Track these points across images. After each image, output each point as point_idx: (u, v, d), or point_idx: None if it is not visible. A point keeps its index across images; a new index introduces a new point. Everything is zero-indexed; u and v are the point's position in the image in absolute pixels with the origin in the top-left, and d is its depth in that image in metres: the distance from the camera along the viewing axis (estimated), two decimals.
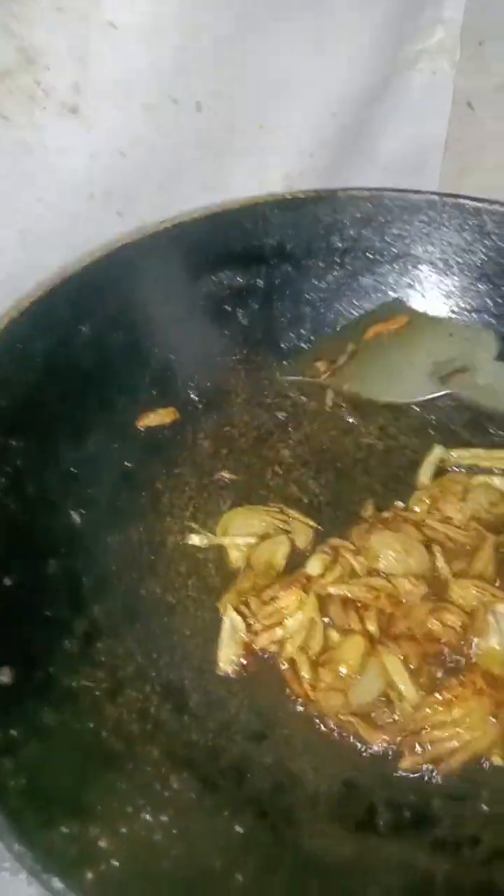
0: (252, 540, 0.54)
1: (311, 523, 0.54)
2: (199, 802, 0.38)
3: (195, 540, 0.54)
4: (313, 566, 0.50)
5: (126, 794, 0.35)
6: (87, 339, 0.53)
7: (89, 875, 0.30)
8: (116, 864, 0.30)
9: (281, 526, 0.54)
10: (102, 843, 0.31)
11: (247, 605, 0.50)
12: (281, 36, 0.65)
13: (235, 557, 0.53)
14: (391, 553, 0.49)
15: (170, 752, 0.40)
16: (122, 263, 0.54)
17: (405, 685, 0.43)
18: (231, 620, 0.48)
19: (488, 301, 0.58)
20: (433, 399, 0.60)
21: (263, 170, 0.73)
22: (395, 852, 0.38)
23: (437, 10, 0.66)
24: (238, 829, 0.36)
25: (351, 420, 0.60)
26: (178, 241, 0.57)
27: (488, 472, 0.55)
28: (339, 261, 0.61)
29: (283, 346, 0.62)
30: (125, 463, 0.55)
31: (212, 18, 0.61)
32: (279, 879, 0.35)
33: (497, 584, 0.48)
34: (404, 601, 0.47)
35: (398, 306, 0.57)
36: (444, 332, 0.53)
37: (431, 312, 0.60)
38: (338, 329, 0.57)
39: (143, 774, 0.37)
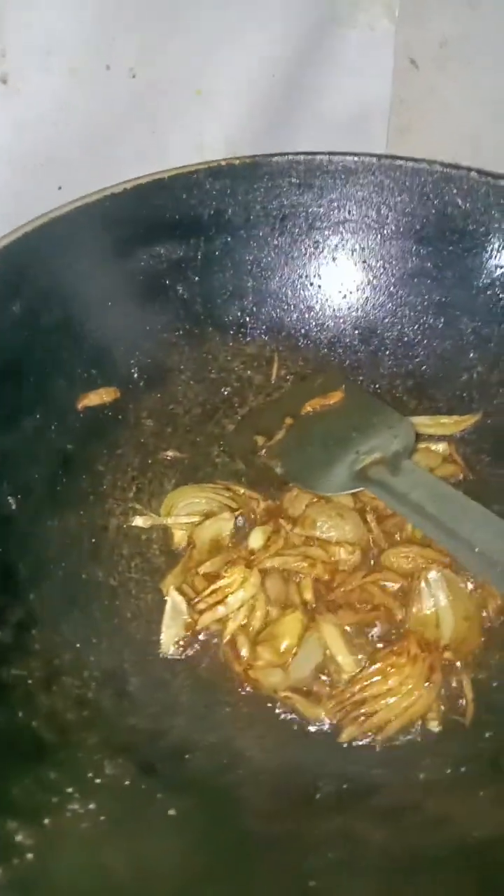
0: (196, 519, 0.53)
1: (257, 497, 0.54)
2: (133, 787, 0.37)
3: (139, 521, 0.53)
4: (256, 539, 0.50)
5: (53, 784, 0.34)
6: (18, 319, 0.51)
7: None
8: (31, 857, 0.30)
9: (226, 502, 0.54)
10: (19, 837, 0.30)
11: (192, 585, 0.50)
12: None
13: (179, 536, 0.53)
14: (327, 521, 0.49)
15: (107, 739, 0.40)
16: (51, 238, 0.52)
17: (342, 656, 0.43)
18: (173, 601, 0.48)
19: (428, 265, 0.57)
20: (378, 370, 0.60)
21: (203, 135, 0.71)
22: (335, 824, 0.38)
23: None
24: (171, 811, 0.36)
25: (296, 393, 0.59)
26: (109, 213, 0.55)
27: (431, 438, 0.55)
28: (278, 229, 0.59)
29: (226, 319, 0.61)
30: (65, 445, 0.54)
31: None
32: (212, 858, 0.34)
33: (429, 549, 0.48)
34: (341, 569, 0.47)
35: (335, 378, 0.59)
36: (370, 415, 0.55)
37: (371, 286, 0.59)
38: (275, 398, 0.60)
39: (74, 763, 0.37)
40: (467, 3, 0.65)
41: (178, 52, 0.65)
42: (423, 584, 0.45)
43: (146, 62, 0.65)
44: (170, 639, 0.47)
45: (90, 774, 0.37)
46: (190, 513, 0.53)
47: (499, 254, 0.54)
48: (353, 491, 0.50)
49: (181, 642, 0.47)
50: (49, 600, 0.46)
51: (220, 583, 0.48)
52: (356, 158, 0.56)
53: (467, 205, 0.54)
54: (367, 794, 0.40)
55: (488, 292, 0.55)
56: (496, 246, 0.54)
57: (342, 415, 0.56)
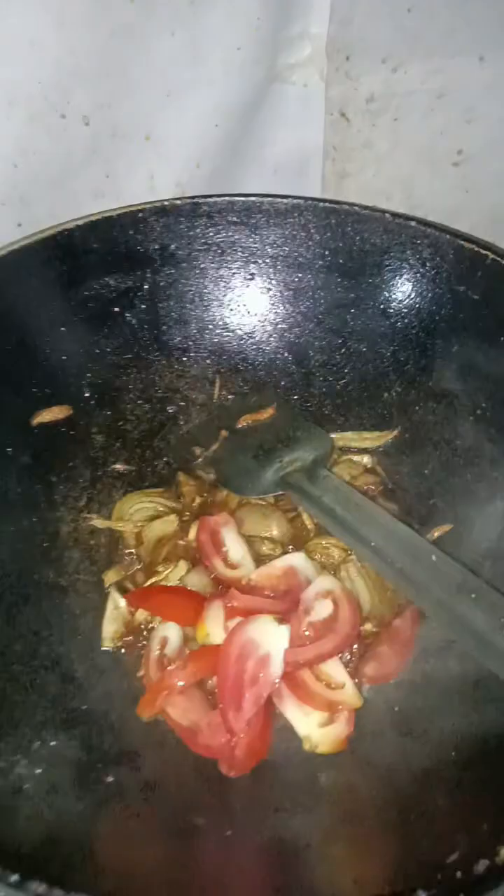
0: (144, 522, 0.58)
1: (194, 487, 0.60)
2: (75, 759, 0.41)
3: (96, 522, 0.58)
4: (194, 533, 0.56)
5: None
6: None
7: None
8: None
9: (170, 505, 0.59)
10: None
11: (133, 580, 0.55)
12: (159, 49, 0.68)
13: (130, 538, 0.58)
14: (253, 520, 0.56)
15: (52, 718, 0.44)
16: (8, 268, 0.57)
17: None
18: (114, 600, 0.53)
19: (352, 295, 0.63)
20: (309, 389, 0.66)
21: (155, 178, 0.77)
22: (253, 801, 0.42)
23: (304, 26, 0.71)
24: (109, 778, 0.40)
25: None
26: (62, 246, 0.60)
27: (355, 451, 0.61)
28: (218, 262, 0.65)
29: (171, 344, 0.66)
30: (20, 457, 0.58)
31: (87, 33, 0.64)
32: (140, 822, 0.39)
33: None
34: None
35: (269, 396, 0.65)
36: (295, 429, 0.61)
37: (302, 314, 0.66)
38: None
39: (21, 736, 0.41)
40: (390, 68, 0.73)
41: (128, 100, 0.71)
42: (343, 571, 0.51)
43: (99, 111, 0.71)
44: (110, 633, 0.52)
45: (37, 746, 0.41)
46: (139, 517, 0.58)
47: (410, 285, 0.60)
48: (274, 494, 0.56)
49: (120, 636, 0.52)
50: (2, 597, 0.50)
51: (155, 578, 0.53)
52: (286, 200, 0.63)
53: (384, 243, 0.60)
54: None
55: (405, 320, 0.61)
56: (407, 278, 0.60)
57: (271, 429, 0.62)
